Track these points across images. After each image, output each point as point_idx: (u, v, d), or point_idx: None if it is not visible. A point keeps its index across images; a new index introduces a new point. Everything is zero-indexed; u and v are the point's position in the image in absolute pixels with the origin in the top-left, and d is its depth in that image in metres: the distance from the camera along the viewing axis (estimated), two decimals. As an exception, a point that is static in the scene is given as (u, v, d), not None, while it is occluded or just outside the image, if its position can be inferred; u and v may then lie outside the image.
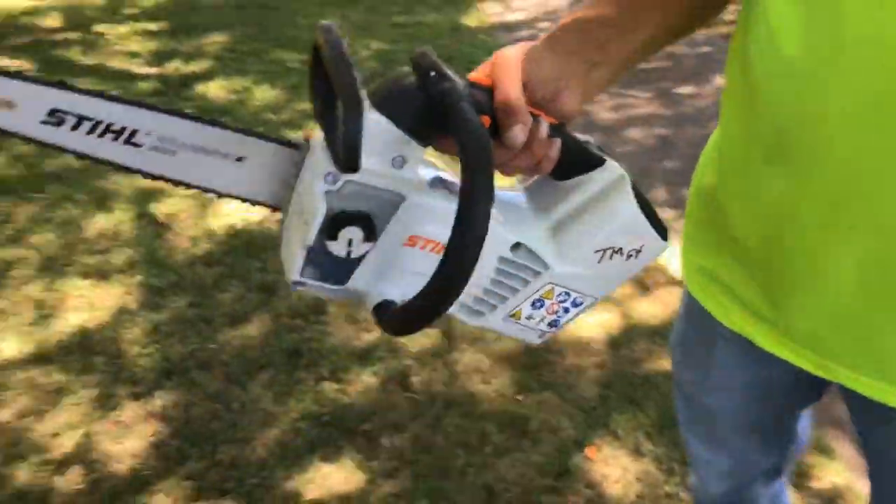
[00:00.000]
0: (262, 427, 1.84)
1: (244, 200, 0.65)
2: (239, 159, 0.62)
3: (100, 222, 2.59)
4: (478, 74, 0.63)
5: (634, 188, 0.67)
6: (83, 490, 1.67)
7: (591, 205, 0.66)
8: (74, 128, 0.57)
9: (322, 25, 0.56)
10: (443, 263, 0.51)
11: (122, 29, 4.34)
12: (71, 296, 2.25)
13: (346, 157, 0.52)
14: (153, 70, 3.81)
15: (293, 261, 0.59)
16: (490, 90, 0.60)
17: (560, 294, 0.68)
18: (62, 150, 0.58)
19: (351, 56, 0.54)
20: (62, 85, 0.57)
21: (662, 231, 0.69)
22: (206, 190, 0.64)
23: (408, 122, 0.56)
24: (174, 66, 3.85)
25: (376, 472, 1.73)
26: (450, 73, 0.57)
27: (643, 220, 0.67)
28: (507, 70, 0.61)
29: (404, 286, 0.59)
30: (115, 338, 2.09)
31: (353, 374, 1.98)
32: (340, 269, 0.59)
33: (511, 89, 0.60)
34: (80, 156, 0.59)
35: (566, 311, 0.70)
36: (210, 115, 0.62)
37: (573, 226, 0.66)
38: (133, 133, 0.58)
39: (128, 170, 0.61)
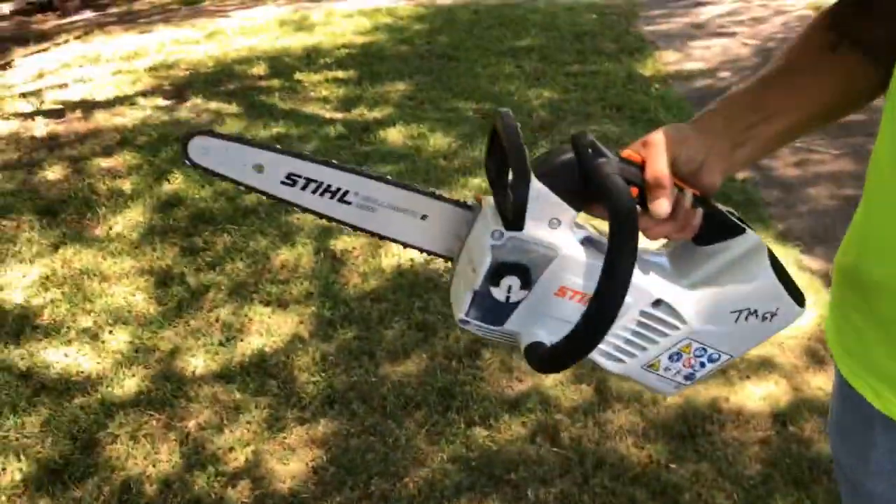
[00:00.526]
0: (414, 464, 1.90)
1: (423, 251, 0.77)
2: (423, 217, 0.74)
3: (284, 254, 2.83)
4: (630, 151, 0.70)
5: (771, 255, 0.73)
6: (250, 504, 1.82)
7: (729, 269, 0.72)
8: (304, 188, 0.73)
9: (500, 111, 0.67)
10: (589, 308, 0.62)
11: (316, 77, 4.75)
12: (254, 321, 2.48)
13: (514, 218, 0.65)
14: (340, 115, 4.13)
15: (461, 301, 0.69)
16: (640, 166, 0.68)
17: (697, 349, 0.73)
18: (294, 206, 0.74)
19: (522, 137, 0.65)
20: (298, 154, 0.73)
21: (799, 297, 0.74)
22: (395, 241, 0.76)
23: (564, 191, 0.66)
24: (359, 112, 4.15)
25: (519, 524, 1.73)
26: (604, 149, 0.67)
27: (778, 285, 0.73)
28: (657, 148, 0.68)
29: (552, 330, 0.68)
30: (288, 363, 2.27)
31: (503, 422, 2.00)
32: (500, 312, 0.69)
33: (659, 165, 0.67)
34: (305, 210, 0.74)
35: (702, 365, 0.75)
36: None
37: (712, 287, 0.72)
38: (345, 193, 0.73)
39: (338, 222, 0.75)
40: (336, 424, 2.04)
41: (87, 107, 4.46)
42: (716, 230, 0.73)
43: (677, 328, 0.72)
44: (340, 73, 4.80)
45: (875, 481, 0.91)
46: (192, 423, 2.08)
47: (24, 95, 4.78)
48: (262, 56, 5.26)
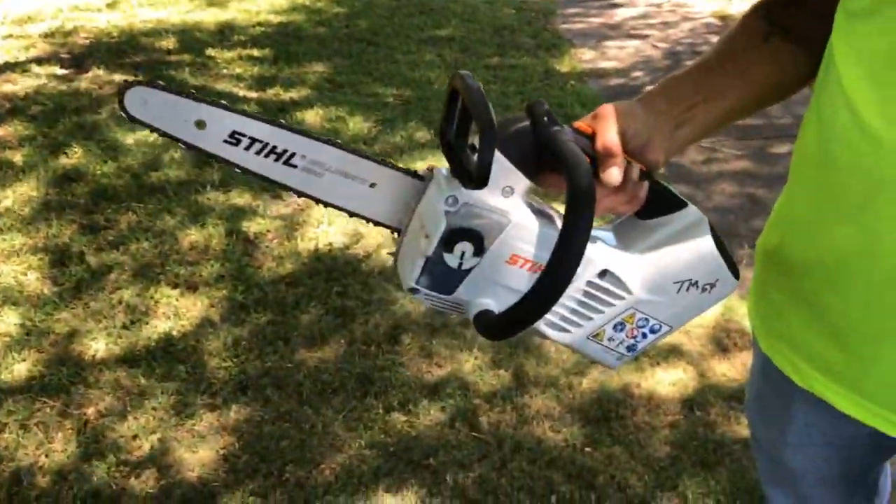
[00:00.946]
0: (331, 451, 1.86)
1: (370, 221, 0.75)
2: (372, 185, 0.72)
3: (193, 235, 2.70)
4: (580, 123, 0.72)
5: (712, 229, 0.75)
6: (154, 495, 1.72)
7: (671, 242, 0.74)
8: (248, 148, 0.69)
9: (460, 73, 0.67)
10: (543, 276, 0.63)
11: (230, 54, 4.56)
12: (160, 304, 2.35)
13: (479, 176, 0.64)
14: (254, 94, 3.98)
15: (412, 269, 0.68)
16: (591, 137, 0.70)
17: (640, 319, 0.75)
18: (235, 168, 0.70)
19: (486, 95, 0.64)
20: (244, 112, 0.70)
21: (735, 271, 0.77)
22: (341, 209, 0.74)
23: (519, 159, 0.66)
24: (275, 92, 4.01)
25: (437, 509, 1.72)
26: (557, 120, 0.67)
27: (718, 257, 0.75)
28: (607, 120, 0.70)
29: (502, 299, 0.69)
30: (197, 347, 2.17)
31: (422, 408, 1.98)
32: (451, 280, 0.68)
33: (610, 135, 0.69)
34: (246, 171, 0.70)
35: (644, 336, 0.77)
36: None
37: (655, 259, 0.73)
38: (292, 155, 0.70)
39: (282, 186, 0.72)
40: (249, 411, 1.96)
41: (-27, 72, 4.11)
42: (660, 204, 0.75)
43: (622, 298, 0.73)
44: (255, 52, 4.63)
45: (792, 453, 0.97)
46: (91, 411, 1.95)
47: None
48: (172, 29, 5.00)
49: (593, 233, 0.72)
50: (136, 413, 1.94)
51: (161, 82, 0.70)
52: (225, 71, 4.31)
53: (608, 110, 0.71)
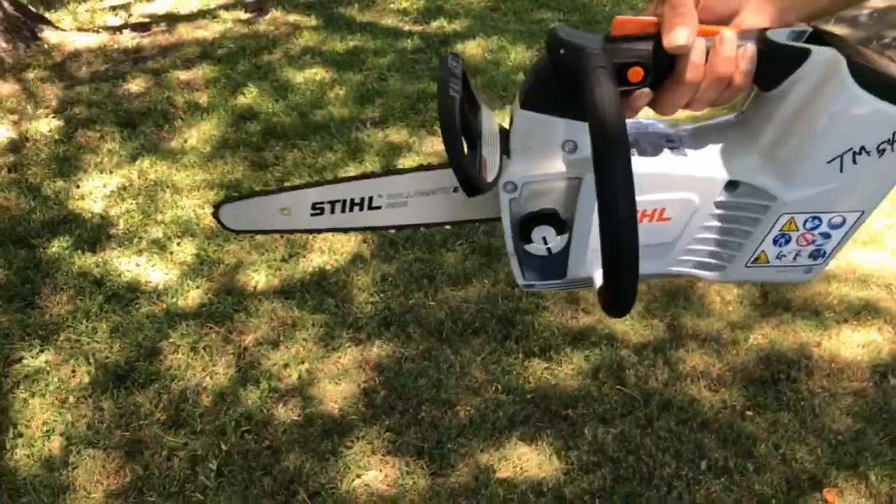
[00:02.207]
0: (467, 393, 1.82)
1: (471, 222, 0.72)
2: (455, 189, 0.67)
3: (351, 171, 2.75)
4: (630, 20, 0.53)
5: (853, 67, 0.51)
6: (298, 422, 1.80)
7: (805, 109, 0.53)
8: (332, 211, 0.71)
9: (445, 58, 0.55)
10: (603, 251, 0.48)
11: (398, -12, 4.56)
12: (317, 239, 2.43)
13: (465, 186, 0.52)
14: (418, 28, 3.94)
15: (514, 269, 0.63)
16: (642, 36, 0.52)
17: (807, 221, 0.58)
18: (333, 231, 0.73)
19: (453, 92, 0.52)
20: (311, 182, 0.72)
21: None
22: (440, 225, 0.72)
23: (562, 108, 0.54)
24: (438, 24, 3.95)
25: (574, 464, 1.63)
26: (580, 42, 0.51)
27: (879, 104, 0.51)
28: None
29: None
30: (347, 282, 2.22)
31: (564, 355, 1.88)
32: (555, 265, 0.61)
33: (691, 32, 0.49)
34: (343, 230, 0.72)
35: (826, 236, 0.60)
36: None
37: (792, 140, 0.55)
38: (371, 199, 0.69)
39: (378, 229, 0.73)
40: (391, 347, 1.98)
41: (172, 20, 4.45)
42: (777, 66, 0.54)
43: (767, 207, 0.57)
44: (423, -16, 4.57)
45: None
46: (249, 338, 2.07)
47: (113, 9, 4.82)
48: (345, -33, 5.08)
49: (705, 133, 0.58)
50: (287, 343, 2.03)
51: (237, 194, 0.72)
52: (392, 6, 4.30)
53: None
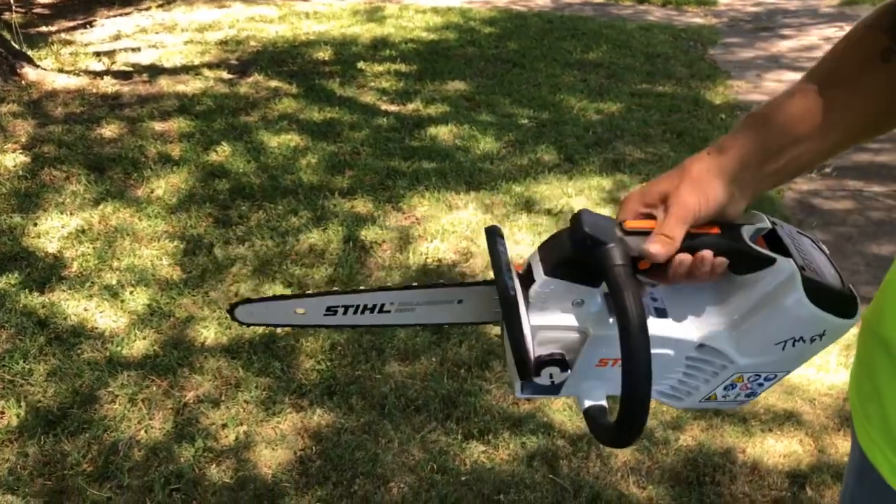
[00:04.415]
0: (403, 469, 1.83)
1: (467, 325, 0.90)
2: (459, 301, 0.80)
3: (313, 238, 2.80)
4: (634, 223, 0.70)
5: (806, 281, 0.69)
6: (230, 485, 1.78)
7: (765, 303, 0.70)
8: (344, 313, 0.80)
9: (491, 231, 0.72)
10: (623, 403, 0.63)
11: (379, 67, 4.74)
12: (271, 300, 2.45)
13: (521, 372, 0.69)
14: (395, 108, 4.10)
15: (514, 386, 0.75)
16: (646, 233, 0.68)
17: (750, 377, 0.75)
18: (341, 328, 0.88)
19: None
20: (329, 291, 0.83)
21: (848, 308, 0.71)
22: (440, 325, 0.86)
23: (576, 277, 0.69)
24: (414, 107, 4.11)
25: (500, 549, 1.64)
26: (604, 234, 0.66)
27: (817, 313, 0.70)
28: (677, 219, 0.68)
29: (606, 390, 0.74)
30: (296, 347, 2.23)
31: (501, 440, 1.91)
32: (551, 390, 0.74)
33: (675, 232, 0.68)
34: (355, 328, 0.84)
35: (760, 385, 0.77)
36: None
37: (751, 322, 0.71)
38: (382, 306, 0.80)
39: (385, 327, 0.85)
40: (332, 416, 1.98)
41: (154, 72, 4.55)
42: (747, 263, 0.71)
43: (725, 367, 0.73)
44: (403, 67, 4.77)
45: None
46: (190, 395, 2.06)
47: (97, 54, 4.91)
48: (331, 41, 5.28)
49: (685, 296, 0.74)
50: (229, 403, 2.02)
51: (255, 297, 0.80)
52: (372, 84, 4.47)
53: (682, 205, 0.68)
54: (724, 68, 5.01)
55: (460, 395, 2.06)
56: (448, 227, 2.87)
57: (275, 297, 0.82)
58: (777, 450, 1.89)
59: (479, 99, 4.25)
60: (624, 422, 0.65)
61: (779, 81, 4.76)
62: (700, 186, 0.69)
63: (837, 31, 5.80)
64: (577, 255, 0.67)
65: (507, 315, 0.68)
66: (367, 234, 2.84)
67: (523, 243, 2.79)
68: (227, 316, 2.35)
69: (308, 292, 0.82)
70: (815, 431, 1.95)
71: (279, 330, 2.30)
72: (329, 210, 3.01)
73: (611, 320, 0.70)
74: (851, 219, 3.11)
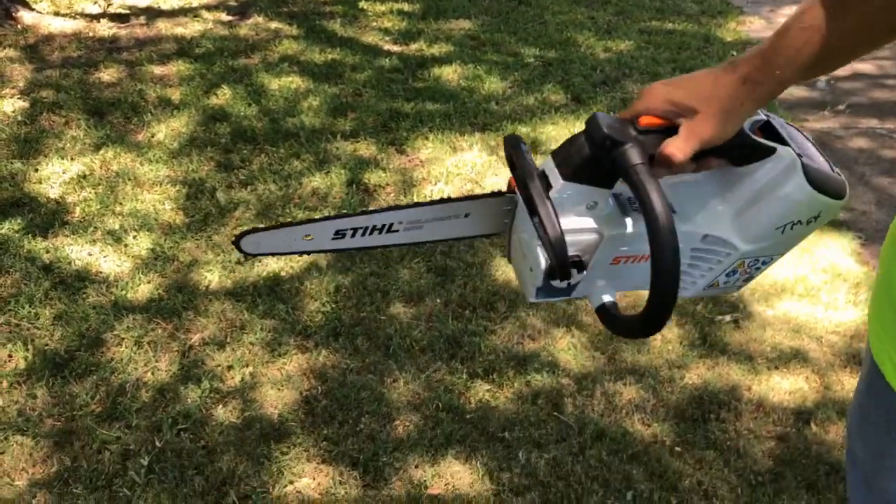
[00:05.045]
0: (408, 408, 1.84)
1: (475, 238, 0.85)
2: (466, 215, 0.81)
3: (316, 182, 2.77)
4: (649, 119, 0.72)
5: (804, 166, 0.74)
6: (236, 425, 1.80)
7: (766, 191, 0.75)
8: (353, 235, 0.81)
9: (512, 139, 0.73)
10: (653, 297, 0.66)
11: (381, 7, 4.61)
12: (275, 244, 2.43)
13: (560, 274, 0.71)
14: (398, 48, 4.00)
15: (528, 291, 0.78)
16: (661, 130, 0.71)
17: (750, 262, 0.80)
18: (349, 251, 0.85)
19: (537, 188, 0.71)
20: (336, 216, 0.82)
21: (840, 192, 0.76)
22: (448, 241, 0.85)
23: (593, 180, 0.71)
24: (418, 47, 4.01)
25: (506, 485, 1.66)
26: (621, 133, 0.68)
27: (816, 196, 0.74)
28: (687, 141, 0.71)
29: (617, 288, 0.78)
30: (300, 290, 2.23)
31: (506, 379, 1.91)
32: (565, 291, 0.77)
33: (684, 153, 0.71)
34: (362, 250, 0.84)
35: (757, 269, 0.82)
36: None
37: (753, 210, 0.76)
38: (390, 226, 0.80)
39: (394, 246, 0.85)
40: (337, 357, 1.99)
41: (152, 14, 4.44)
42: (750, 153, 0.75)
43: (729, 254, 0.78)
44: (406, 6, 4.64)
45: (889, 480, 0.82)
46: (196, 337, 2.06)
47: (93, -3, 4.79)
48: (331, -19, 5.13)
49: (689, 187, 0.76)
50: (234, 345, 2.03)
51: (261, 225, 0.79)
52: (374, 24, 4.36)
53: (700, 126, 0.70)
54: (736, 4, 4.85)
55: (465, 335, 2.05)
56: (452, 170, 2.83)
57: (282, 225, 0.82)
58: (783, 387, 1.89)
59: (484, 38, 4.14)
60: (655, 309, 0.67)
61: (794, 16, 4.61)
62: (723, 120, 0.70)
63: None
64: (595, 157, 0.68)
65: (545, 216, 0.68)
66: (371, 177, 2.80)
67: (529, 184, 2.75)
68: (234, 249, 2.34)
69: (311, 219, 0.81)
70: (821, 369, 1.95)
71: (283, 272, 2.29)
72: (331, 153, 2.96)
73: (627, 220, 0.74)
74: (863, 157, 3.04)
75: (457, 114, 3.25)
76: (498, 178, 2.78)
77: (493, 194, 0.81)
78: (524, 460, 1.71)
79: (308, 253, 0.82)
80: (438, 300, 2.18)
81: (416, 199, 2.66)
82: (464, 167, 2.85)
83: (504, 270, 2.28)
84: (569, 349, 2.00)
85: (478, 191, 2.70)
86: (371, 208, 0.78)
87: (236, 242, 0.82)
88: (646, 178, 0.65)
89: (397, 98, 3.41)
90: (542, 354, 1.98)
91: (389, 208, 0.80)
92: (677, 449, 1.73)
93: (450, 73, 3.67)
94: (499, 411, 1.83)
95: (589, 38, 4.13)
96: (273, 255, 0.83)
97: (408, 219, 0.80)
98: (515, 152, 0.73)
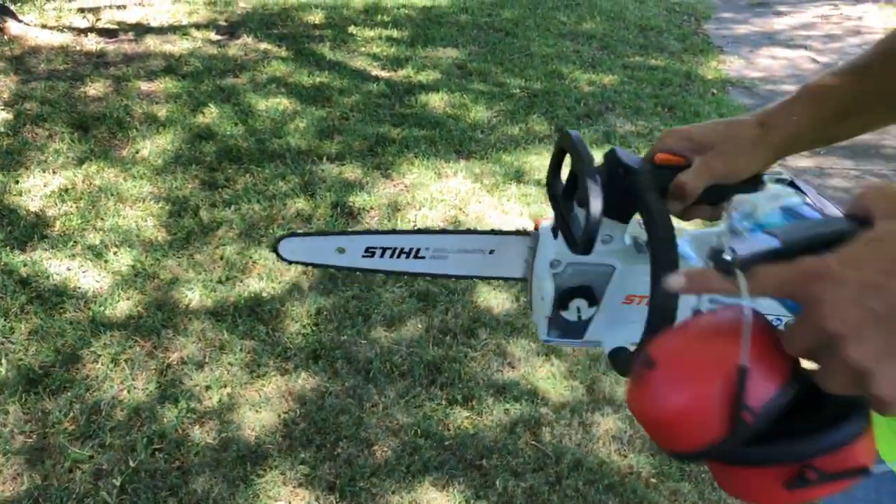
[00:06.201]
0: (386, 434, 1.84)
1: (497, 279, 0.87)
2: (490, 252, 0.82)
3: (300, 203, 2.78)
4: (666, 153, 0.72)
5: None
6: (213, 446, 1.78)
7: None
8: (381, 255, 0.82)
9: (570, 133, 0.69)
10: (649, 322, 0.62)
11: (370, 33, 4.67)
12: (257, 264, 2.43)
13: (585, 245, 0.66)
14: (386, 74, 4.04)
15: (540, 326, 0.77)
16: (677, 167, 0.70)
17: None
18: (378, 272, 0.84)
19: (595, 166, 0.67)
20: (370, 231, 0.83)
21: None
22: (471, 278, 0.84)
23: (608, 211, 0.68)
24: (405, 73, 4.06)
25: (482, 513, 1.66)
26: (634, 163, 0.68)
27: None
28: (702, 171, 0.70)
29: (629, 333, 0.74)
30: (281, 311, 2.22)
31: (485, 406, 1.92)
32: (577, 329, 0.75)
33: (696, 185, 0.70)
34: (389, 273, 0.83)
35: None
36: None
37: None
38: (418, 251, 0.81)
39: (418, 275, 0.88)
40: (316, 381, 1.98)
41: (141, 30, 4.45)
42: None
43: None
44: (395, 33, 4.70)
45: None
46: (174, 356, 2.05)
47: (82, 11, 4.79)
48: (322, 4, 5.19)
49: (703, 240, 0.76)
50: (213, 365, 2.02)
51: (301, 231, 0.78)
52: (363, 49, 4.41)
53: (712, 160, 0.70)
54: (717, 43, 4.98)
55: (445, 361, 2.06)
56: (437, 195, 2.85)
57: (319, 233, 0.84)
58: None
59: (471, 67, 4.20)
60: (653, 318, 0.64)
61: (772, 58, 4.74)
62: (735, 156, 0.71)
63: (833, 10, 5.78)
64: (610, 186, 0.68)
65: (591, 189, 0.65)
66: (356, 200, 2.81)
67: (512, 213, 2.78)
68: (215, 279, 2.34)
69: (348, 230, 0.85)
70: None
71: (265, 293, 2.29)
72: (317, 175, 2.98)
73: (641, 256, 0.73)
74: (839, 197, 3.12)
75: (442, 140, 3.29)
76: (481, 205, 2.81)
77: (519, 232, 0.82)
78: (501, 488, 1.71)
79: (339, 269, 0.84)
80: (420, 325, 2.19)
81: (400, 224, 2.67)
82: (448, 193, 2.88)
83: (486, 297, 2.30)
84: (548, 378, 2.01)
85: (461, 218, 2.72)
86: (400, 229, 0.81)
87: (275, 248, 0.84)
88: (655, 202, 0.65)
89: (384, 123, 3.44)
90: (522, 383, 1.99)
91: (418, 231, 0.82)
92: (653, 480, 1.75)
93: (436, 101, 3.72)
94: (477, 439, 1.83)
95: (574, 72, 4.21)
96: (308, 264, 0.84)
97: (434, 245, 0.82)
98: (568, 144, 0.71)
